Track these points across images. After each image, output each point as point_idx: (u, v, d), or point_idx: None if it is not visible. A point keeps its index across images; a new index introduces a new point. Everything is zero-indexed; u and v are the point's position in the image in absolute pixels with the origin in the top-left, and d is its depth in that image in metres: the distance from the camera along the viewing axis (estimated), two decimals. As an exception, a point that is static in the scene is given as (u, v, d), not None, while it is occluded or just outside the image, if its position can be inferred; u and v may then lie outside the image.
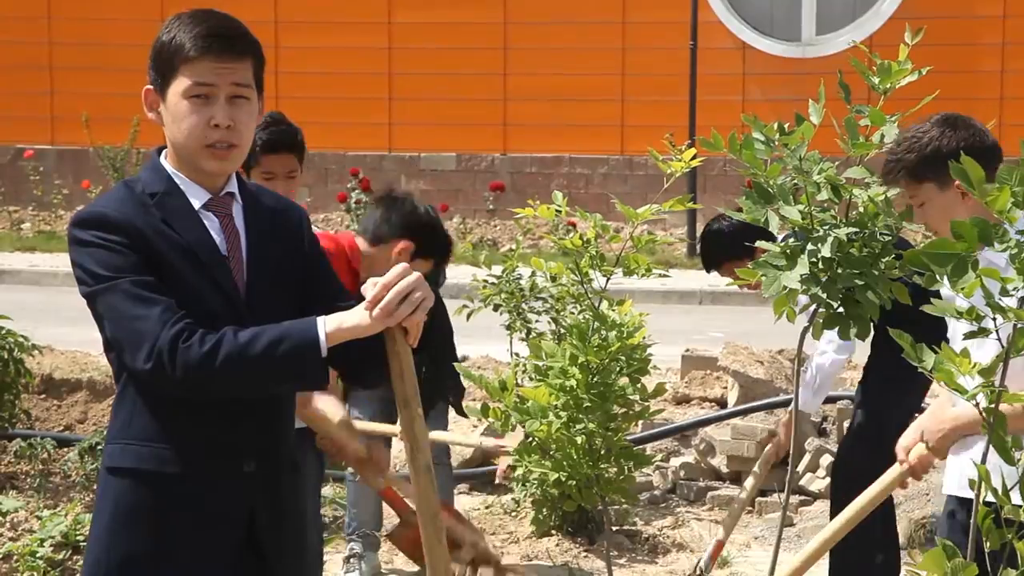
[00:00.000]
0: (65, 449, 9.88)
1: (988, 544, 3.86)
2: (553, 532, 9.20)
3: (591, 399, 7.81)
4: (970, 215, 5.09)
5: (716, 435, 10.95)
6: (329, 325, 3.88)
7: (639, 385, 7.98)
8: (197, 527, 4.05)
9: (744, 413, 11.05)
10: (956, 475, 5.34)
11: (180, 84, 4.02)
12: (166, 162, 4.14)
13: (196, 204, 4.09)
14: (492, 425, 9.15)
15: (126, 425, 4.07)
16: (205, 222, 4.09)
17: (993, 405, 3.83)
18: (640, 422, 8.49)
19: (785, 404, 10.31)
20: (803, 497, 10.08)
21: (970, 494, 5.21)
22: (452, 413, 8.77)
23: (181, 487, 4.03)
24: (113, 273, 3.93)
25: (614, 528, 8.82)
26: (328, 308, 4.07)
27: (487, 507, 9.77)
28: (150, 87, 4.10)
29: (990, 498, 4.32)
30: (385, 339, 3.95)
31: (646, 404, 8.17)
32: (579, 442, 7.80)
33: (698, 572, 7.74)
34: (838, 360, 7.48)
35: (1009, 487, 3.83)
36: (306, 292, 4.26)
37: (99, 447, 8.38)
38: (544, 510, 9.12)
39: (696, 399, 12.22)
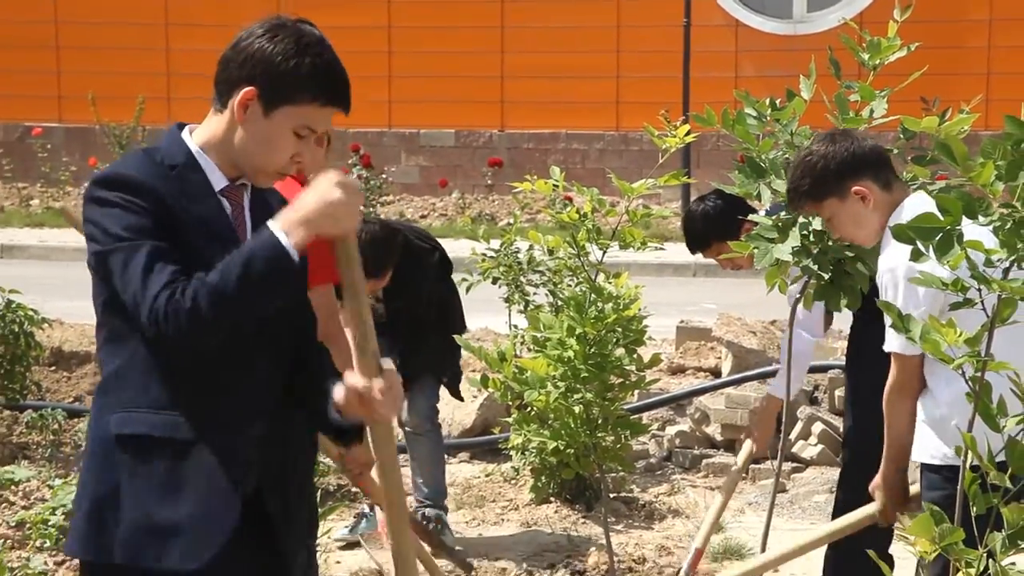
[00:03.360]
0: (75, 420, 9.91)
1: (975, 509, 3.89)
2: (552, 499, 9.23)
3: (588, 370, 7.83)
4: (877, 215, 5.17)
5: (710, 404, 10.99)
6: (284, 225, 3.75)
7: (635, 356, 8.01)
8: (208, 492, 4.05)
9: (737, 383, 11.08)
10: (919, 444, 5.38)
11: (290, 117, 3.88)
12: (190, 139, 4.02)
13: (215, 187, 4.00)
14: (492, 396, 9.20)
15: (140, 393, 4.05)
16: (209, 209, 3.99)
17: (979, 373, 3.85)
18: (636, 392, 8.52)
19: (774, 375, 10.34)
20: (795, 464, 10.12)
21: (933, 461, 5.25)
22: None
23: (193, 452, 4.02)
24: (132, 235, 3.84)
25: (611, 495, 8.85)
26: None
27: (487, 475, 9.79)
28: (253, 92, 3.86)
29: (948, 462, 4.37)
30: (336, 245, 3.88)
31: (642, 374, 8.19)
32: (577, 411, 7.83)
33: None
34: (810, 341, 7.49)
35: (995, 454, 3.86)
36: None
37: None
38: (543, 478, 9.14)
39: (691, 369, 12.24)
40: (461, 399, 8.97)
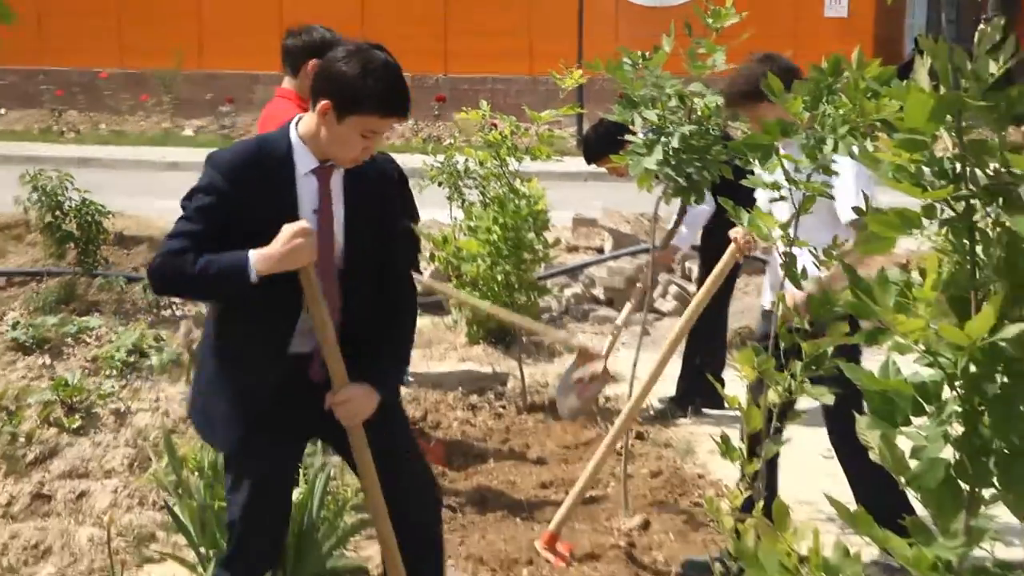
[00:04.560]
0: (133, 284, 9.86)
1: (783, 344, 3.94)
2: (481, 342, 9.26)
3: (508, 248, 7.88)
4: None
5: (596, 273, 11.04)
6: (256, 259, 3.75)
7: (542, 238, 8.05)
8: (237, 396, 4.03)
9: (616, 257, 11.17)
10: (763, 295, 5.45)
11: (357, 123, 3.79)
12: (295, 131, 3.93)
13: (303, 170, 3.90)
14: (437, 267, 9.20)
15: (211, 322, 4.14)
16: (305, 184, 3.91)
17: (789, 249, 3.90)
18: (542, 264, 8.54)
19: (644, 251, 10.40)
20: (656, 314, 10.20)
21: (765, 307, 5.30)
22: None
23: (247, 369, 4.02)
24: (193, 211, 3.85)
25: (524, 339, 8.88)
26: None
27: (434, 324, 9.82)
28: (328, 105, 3.78)
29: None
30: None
31: (547, 251, 8.24)
32: (499, 279, 7.87)
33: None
34: (704, 210, 7.49)
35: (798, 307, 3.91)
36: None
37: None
38: (475, 326, 9.17)
39: (582, 248, 12.28)
40: (420, 272, 8.94)
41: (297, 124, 3.95)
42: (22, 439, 6.58)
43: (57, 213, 10.22)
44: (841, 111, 3.72)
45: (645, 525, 5.97)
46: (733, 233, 5.65)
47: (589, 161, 7.89)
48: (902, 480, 2.32)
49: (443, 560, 4.39)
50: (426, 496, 4.30)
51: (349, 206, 3.99)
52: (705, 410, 7.68)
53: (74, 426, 6.87)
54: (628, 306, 7.43)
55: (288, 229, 3.75)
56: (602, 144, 7.52)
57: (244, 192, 3.83)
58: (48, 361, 8.13)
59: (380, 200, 4.08)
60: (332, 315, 3.94)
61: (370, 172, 4.04)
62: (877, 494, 5.10)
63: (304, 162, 3.91)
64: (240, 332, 4.00)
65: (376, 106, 3.77)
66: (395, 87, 3.80)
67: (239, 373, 4.00)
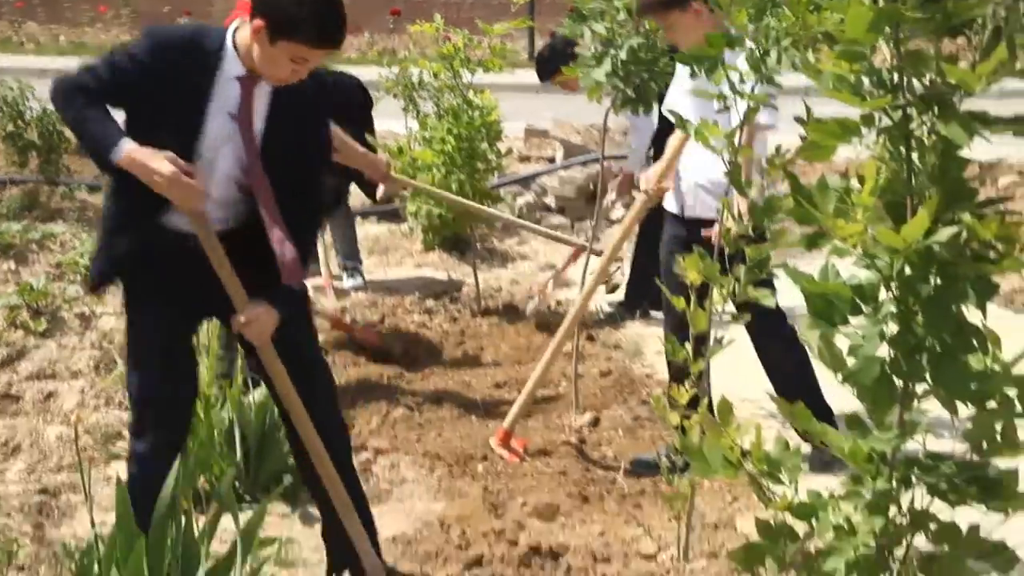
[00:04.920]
0: (95, 192, 9.77)
1: (728, 250, 3.97)
2: (436, 248, 9.27)
3: (462, 158, 7.86)
4: (706, 30, 5.11)
5: (548, 182, 11.03)
6: (127, 152, 3.70)
7: (495, 148, 8.03)
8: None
9: (567, 167, 11.17)
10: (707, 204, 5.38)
11: (288, 48, 3.65)
12: (231, 36, 3.80)
13: (229, 74, 3.78)
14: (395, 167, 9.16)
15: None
16: (226, 87, 3.79)
17: (734, 159, 3.92)
18: (496, 173, 8.52)
19: (594, 161, 10.40)
20: (609, 221, 10.22)
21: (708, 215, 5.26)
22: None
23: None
24: (109, 68, 3.77)
25: (478, 245, 8.88)
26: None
27: (390, 232, 9.80)
28: (261, 24, 3.64)
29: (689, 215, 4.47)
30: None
31: (500, 161, 8.22)
32: (454, 188, 7.84)
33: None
34: (650, 123, 7.49)
35: (740, 214, 3.94)
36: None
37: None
38: (430, 234, 9.16)
39: (534, 158, 12.26)
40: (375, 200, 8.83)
41: (236, 30, 3.83)
42: (-10, 342, 6.57)
43: (19, 123, 10.10)
44: (784, 24, 3.73)
45: (595, 423, 6.04)
46: (642, 183, 5.64)
47: (543, 79, 7.88)
48: (839, 376, 2.36)
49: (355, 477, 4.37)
50: (333, 408, 4.25)
51: (271, 120, 3.87)
52: (653, 313, 7.72)
53: (40, 329, 6.85)
54: (611, 195, 7.60)
55: (163, 162, 3.69)
56: (554, 61, 7.49)
57: (163, 71, 3.74)
58: (13, 267, 8.07)
59: (305, 123, 3.94)
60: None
61: (307, 93, 3.90)
62: (787, 381, 5.23)
63: (231, 67, 3.80)
64: (120, 189, 3.93)
65: (308, 36, 3.65)
66: (330, 18, 3.68)
67: (119, 231, 3.95)
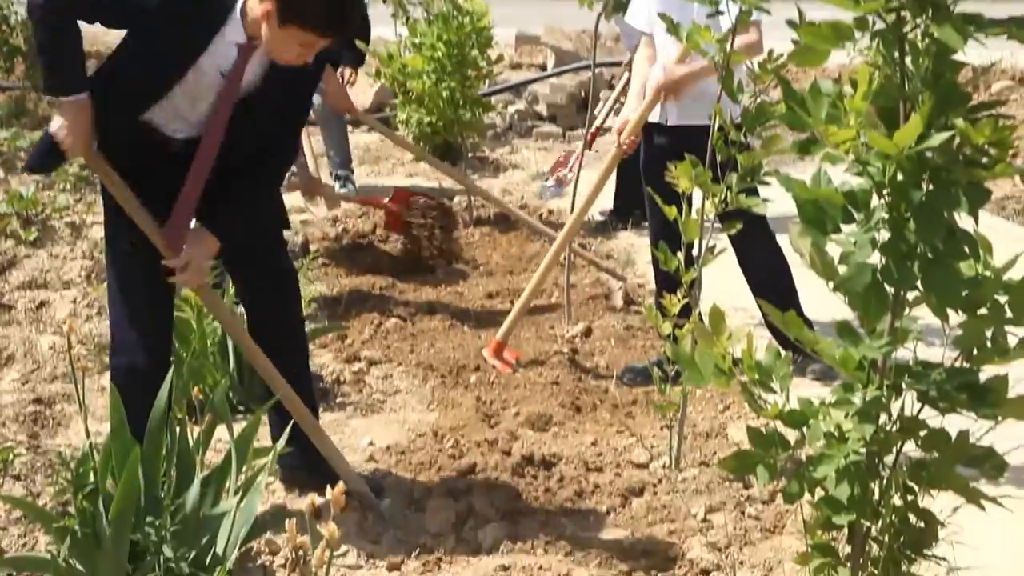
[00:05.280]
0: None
1: (720, 157, 3.96)
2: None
3: (452, 65, 7.80)
4: None
5: (539, 89, 10.98)
6: (67, 108, 3.75)
7: (486, 55, 7.96)
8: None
9: (558, 74, 11.08)
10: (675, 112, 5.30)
11: (295, 34, 3.62)
12: (239, 6, 3.75)
13: (229, 38, 3.76)
14: (383, 84, 9.10)
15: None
16: (223, 49, 3.77)
17: (726, 63, 3.89)
18: (487, 81, 8.46)
19: (586, 68, 10.33)
20: (601, 129, 10.17)
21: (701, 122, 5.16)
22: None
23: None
24: None
25: (469, 155, 8.85)
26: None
27: (382, 141, 9.75)
28: (271, 8, 3.60)
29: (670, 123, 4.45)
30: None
31: (491, 68, 8.16)
32: (444, 95, 7.80)
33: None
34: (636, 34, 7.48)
35: (733, 118, 3.92)
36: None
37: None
38: (421, 142, 9.13)
39: (525, 65, 12.18)
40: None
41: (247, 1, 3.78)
42: (-21, 251, 6.56)
43: (4, 27, 9.98)
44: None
45: (587, 332, 6.06)
46: (620, 136, 5.45)
47: None
48: (830, 284, 2.36)
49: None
50: (298, 320, 4.34)
51: (263, 81, 3.86)
52: (645, 222, 7.72)
53: (31, 238, 6.83)
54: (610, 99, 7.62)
55: (84, 133, 3.78)
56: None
57: (166, 16, 3.71)
58: (2, 175, 8.03)
59: (294, 86, 3.94)
60: (211, 152, 3.90)
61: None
62: (767, 288, 5.20)
63: (233, 32, 3.78)
64: (107, 82, 3.91)
65: (316, 22, 3.62)
66: (340, 8, 3.66)
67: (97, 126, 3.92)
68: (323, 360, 5.59)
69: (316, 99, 8.12)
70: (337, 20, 3.66)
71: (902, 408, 2.49)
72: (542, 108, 10.90)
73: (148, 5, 3.71)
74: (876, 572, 2.64)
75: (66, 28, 3.71)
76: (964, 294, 2.29)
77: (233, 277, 4.36)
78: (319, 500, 2.47)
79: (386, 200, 7.23)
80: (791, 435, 2.54)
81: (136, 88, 3.85)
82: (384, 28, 9.40)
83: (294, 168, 6.50)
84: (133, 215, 3.88)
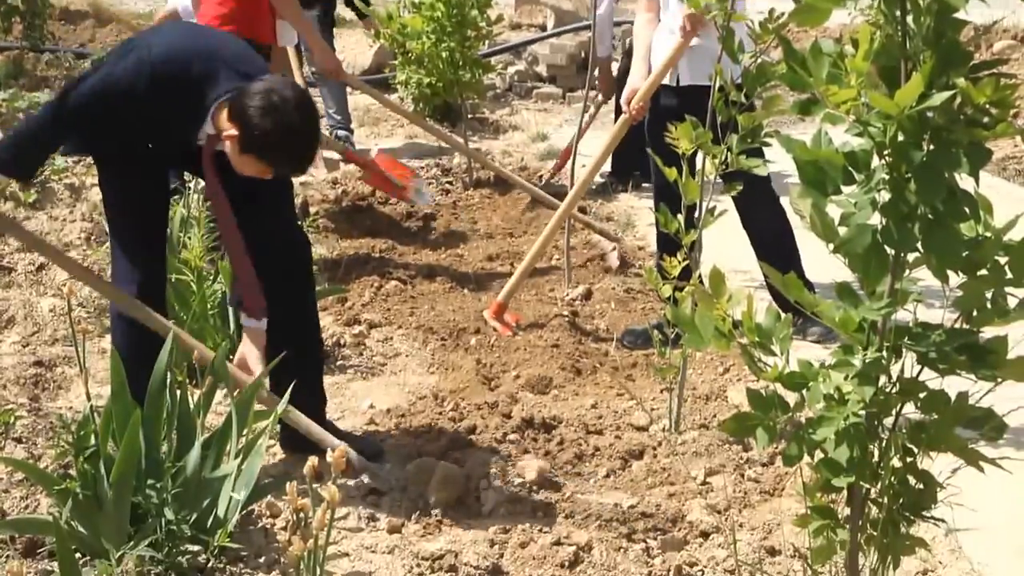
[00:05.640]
0: (81, 60, 9.68)
1: (720, 118, 3.94)
2: (427, 119, 9.21)
3: (452, 25, 7.77)
4: None
5: (539, 50, 10.95)
6: None
7: (485, 15, 7.94)
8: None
9: (558, 35, 11.05)
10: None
11: (257, 163, 3.71)
12: (211, 114, 3.79)
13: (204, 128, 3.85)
14: (383, 45, 9.07)
15: None
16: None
17: (726, 22, 3.87)
18: (486, 41, 8.43)
19: (586, 28, 10.29)
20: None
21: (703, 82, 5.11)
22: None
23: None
24: (95, 87, 3.85)
25: (469, 116, 8.83)
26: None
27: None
28: (235, 137, 3.69)
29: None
30: None
31: (491, 28, 8.13)
32: (444, 56, 7.78)
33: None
34: (609, 8, 7.48)
35: (734, 79, 3.90)
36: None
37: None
38: (420, 104, 9.11)
39: (525, 25, 12.14)
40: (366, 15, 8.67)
41: (218, 108, 3.80)
42: (-22, 214, 6.53)
43: (0, -14, 9.97)
44: None
45: (587, 295, 6.06)
46: (630, 103, 5.44)
47: None
48: (830, 246, 2.36)
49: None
50: (310, 291, 4.36)
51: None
52: (644, 184, 7.71)
53: (30, 200, 6.82)
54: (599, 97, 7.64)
55: None
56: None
57: (156, 100, 3.80)
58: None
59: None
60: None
61: None
62: (771, 250, 5.18)
63: (199, 135, 3.86)
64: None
65: (275, 161, 3.72)
66: (299, 148, 3.72)
67: None
68: (323, 323, 5.59)
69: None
70: (295, 162, 3.76)
71: (902, 370, 2.49)
72: (542, 69, 10.87)
73: (134, 99, 3.78)
74: (875, 534, 2.65)
75: (53, 141, 3.95)
76: (964, 255, 2.28)
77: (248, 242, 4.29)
78: (319, 463, 2.48)
79: (372, 157, 7.22)
80: (791, 397, 2.54)
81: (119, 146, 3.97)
82: (383, -11, 9.38)
83: None
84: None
